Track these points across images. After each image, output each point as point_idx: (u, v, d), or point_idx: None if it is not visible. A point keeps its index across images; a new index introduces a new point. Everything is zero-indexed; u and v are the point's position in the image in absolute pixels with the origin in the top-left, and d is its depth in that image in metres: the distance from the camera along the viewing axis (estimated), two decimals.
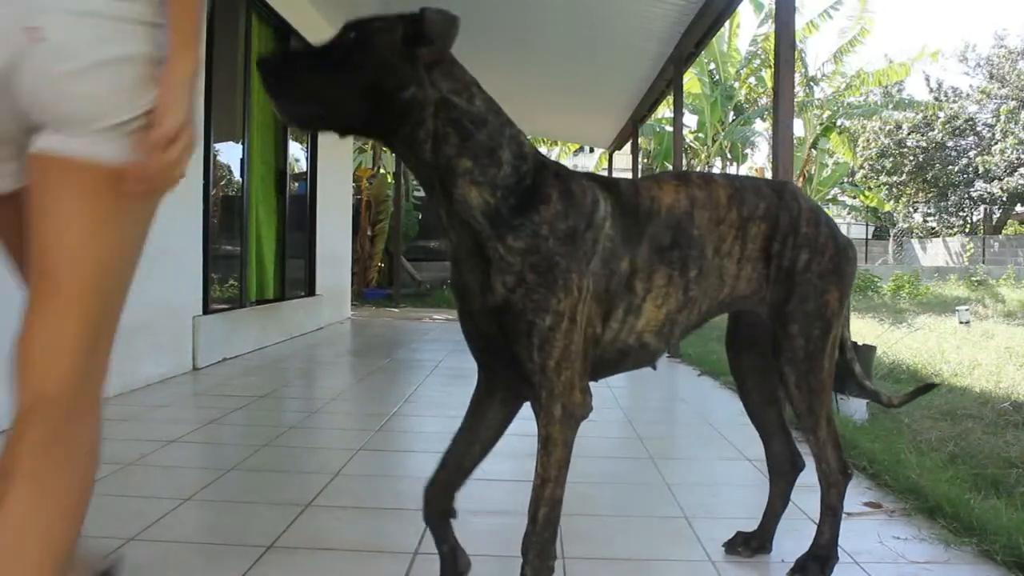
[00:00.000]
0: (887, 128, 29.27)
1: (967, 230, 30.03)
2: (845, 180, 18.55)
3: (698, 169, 14.90)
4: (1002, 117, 27.72)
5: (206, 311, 4.67)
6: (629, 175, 10.33)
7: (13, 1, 1.13)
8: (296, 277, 6.65)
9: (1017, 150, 27.08)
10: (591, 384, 1.55)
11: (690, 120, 14.75)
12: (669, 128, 12.99)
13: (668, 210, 1.60)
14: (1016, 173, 27.18)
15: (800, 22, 14.72)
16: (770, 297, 1.72)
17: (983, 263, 21.64)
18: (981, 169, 28.26)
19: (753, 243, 1.68)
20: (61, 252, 1.17)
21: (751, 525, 2.28)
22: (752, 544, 1.98)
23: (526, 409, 3.20)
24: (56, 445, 1.16)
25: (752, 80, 15.31)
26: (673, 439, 3.35)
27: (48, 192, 1.16)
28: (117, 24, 1.16)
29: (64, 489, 1.18)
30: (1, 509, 1.11)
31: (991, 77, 29.08)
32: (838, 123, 16.04)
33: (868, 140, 29.19)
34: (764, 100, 15.32)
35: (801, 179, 15.26)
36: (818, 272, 1.71)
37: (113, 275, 1.22)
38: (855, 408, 3.51)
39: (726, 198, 1.68)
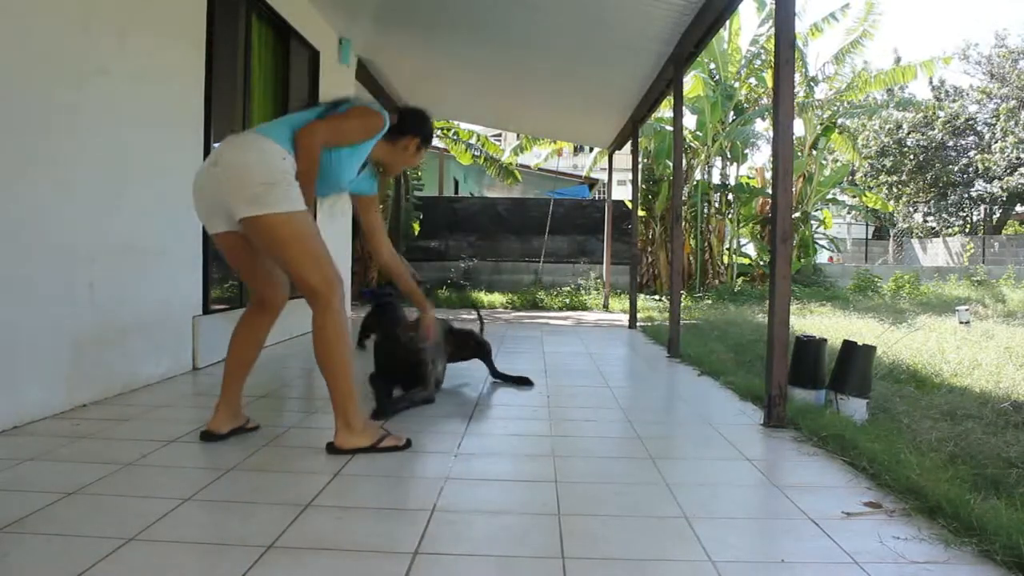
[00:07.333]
0: (887, 127, 29.27)
1: (967, 230, 30.03)
2: (845, 180, 18.51)
3: (698, 169, 14.87)
4: (1002, 117, 27.70)
5: (206, 311, 4.67)
6: (629, 175, 10.34)
7: None
8: None
9: (1017, 150, 27.05)
10: None
11: (690, 120, 14.72)
12: (669, 128, 12.98)
13: None
14: (1016, 173, 27.16)
15: (803, 26, 14.75)
16: None
17: (983, 263, 21.63)
18: (981, 169, 28.25)
19: None
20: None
21: (751, 525, 2.28)
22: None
23: (521, 410, 3.18)
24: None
25: (752, 80, 15.29)
26: (673, 439, 3.34)
27: None
28: None
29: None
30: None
31: (991, 76, 29.07)
32: (838, 123, 16.00)
33: (868, 139, 29.17)
34: (764, 100, 15.29)
35: (801, 179, 15.23)
36: None
37: None
38: (855, 408, 3.51)
39: None
